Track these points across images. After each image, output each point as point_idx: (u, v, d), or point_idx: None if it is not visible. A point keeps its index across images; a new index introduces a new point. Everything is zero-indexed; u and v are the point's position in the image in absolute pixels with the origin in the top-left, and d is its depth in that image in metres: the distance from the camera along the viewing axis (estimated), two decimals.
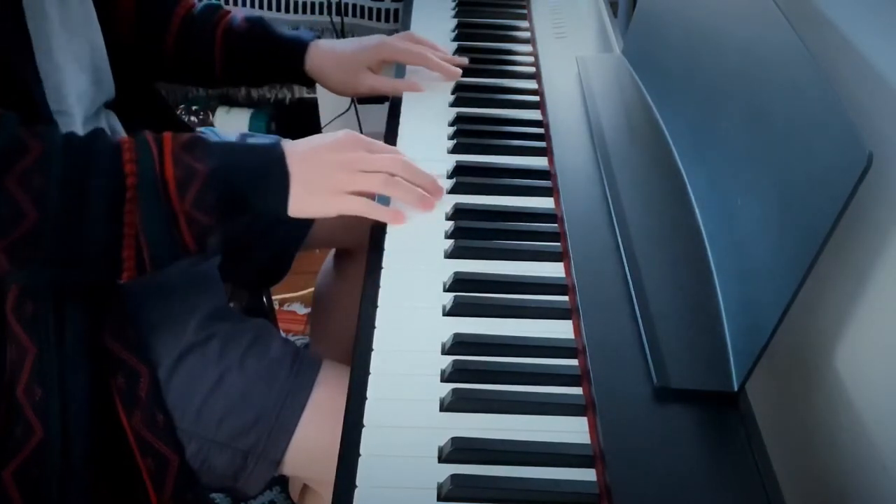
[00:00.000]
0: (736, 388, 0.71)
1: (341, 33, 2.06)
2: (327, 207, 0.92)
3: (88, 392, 0.91)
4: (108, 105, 1.10)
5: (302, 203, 0.91)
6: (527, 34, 1.41)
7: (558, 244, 0.92)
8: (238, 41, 1.20)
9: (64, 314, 0.90)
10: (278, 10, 2.09)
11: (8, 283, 0.89)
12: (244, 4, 2.09)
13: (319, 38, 1.23)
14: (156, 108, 1.21)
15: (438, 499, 0.66)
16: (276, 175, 0.90)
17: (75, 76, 0.99)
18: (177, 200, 0.86)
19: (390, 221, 0.94)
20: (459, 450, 0.69)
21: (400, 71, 1.28)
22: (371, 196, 0.94)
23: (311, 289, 1.64)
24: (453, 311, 0.83)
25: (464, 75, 1.25)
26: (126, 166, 0.85)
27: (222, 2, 1.41)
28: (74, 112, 0.98)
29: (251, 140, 0.94)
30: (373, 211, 0.94)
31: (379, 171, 0.93)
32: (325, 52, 1.21)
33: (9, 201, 0.81)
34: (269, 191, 0.90)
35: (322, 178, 0.92)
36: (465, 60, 1.27)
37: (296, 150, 0.92)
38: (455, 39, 1.38)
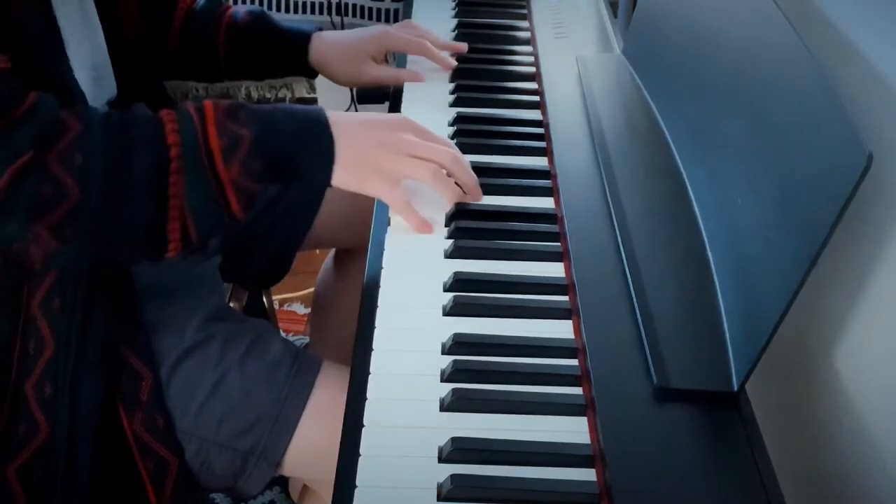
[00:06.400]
0: (736, 388, 0.71)
1: None
2: (369, 185, 0.91)
3: (98, 394, 0.91)
4: (111, 104, 1.10)
5: (346, 173, 0.90)
6: (527, 34, 1.41)
7: (558, 244, 0.92)
8: (241, 35, 1.20)
9: (90, 314, 0.90)
10: (278, 9, 2.09)
11: (52, 266, 0.88)
12: (244, 3, 2.09)
13: (321, 30, 1.23)
14: (159, 107, 1.21)
15: (438, 499, 0.66)
16: (321, 141, 0.89)
17: (78, 73, 0.99)
18: (223, 168, 0.85)
19: (419, 230, 0.93)
20: (459, 450, 0.69)
21: (402, 62, 1.29)
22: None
23: (311, 289, 1.64)
24: (453, 311, 0.83)
25: (464, 76, 1.26)
26: (169, 137, 0.85)
27: None
28: None
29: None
30: (407, 214, 0.92)
31: (429, 160, 0.92)
32: (328, 44, 1.22)
33: (51, 179, 0.81)
34: (315, 157, 0.89)
35: (370, 153, 0.90)
36: (463, 48, 1.28)
37: (344, 121, 0.90)
38: (455, 39, 1.38)
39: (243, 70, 1.25)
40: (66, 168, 0.81)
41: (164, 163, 0.84)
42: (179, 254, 0.87)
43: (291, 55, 1.22)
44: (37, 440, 0.90)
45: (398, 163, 0.91)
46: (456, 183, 0.95)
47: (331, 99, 2.10)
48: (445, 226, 0.94)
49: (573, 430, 0.72)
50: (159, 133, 0.85)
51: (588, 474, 0.68)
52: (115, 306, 0.93)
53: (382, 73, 1.23)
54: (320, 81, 1.28)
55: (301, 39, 1.22)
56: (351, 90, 1.93)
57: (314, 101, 2.21)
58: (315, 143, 0.89)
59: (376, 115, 0.94)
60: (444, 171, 0.93)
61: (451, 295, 0.85)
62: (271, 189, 0.89)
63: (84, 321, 0.90)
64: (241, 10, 1.22)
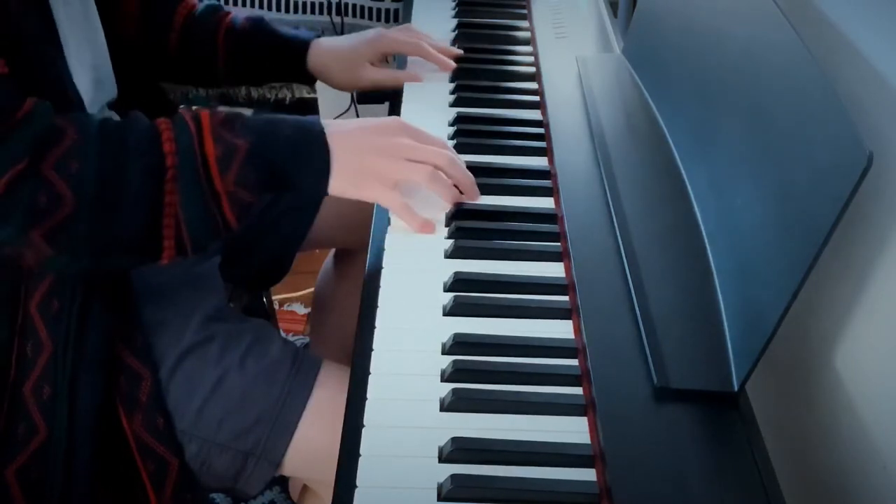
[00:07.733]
0: (736, 388, 0.71)
1: (341, 33, 2.06)
2: (367, 192, 0.91)
3: (96, 395, 0.91)
4: (111, 105, 1.10)
5: (343, 182, 0.90)
6: (527, 34, 1.41)
7: (558, 244, 0.92)
8: (240, 42, 1.20)
9: (87, 316, 0.90)
10: (278, 10, 2.09)
11: (46, 271, 0.88)
12: (244, 5, 2.09)
13: (320, 36, 1.24)
14: (159, 108, 1.21)
15: (438, 499, 0.66)
16: (317, 151, 0.89)
17: (79, 75, 0.99)
18: (218, 178, 0.85)
19: (419, 231, 0.93)
20: (459, 450, 0.69)
21: (402, 64, 1.29)
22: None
23: (311, 289, 1.64)
24: (453, 311, 0.83)
25: (464, 76, 1.26)
26: (165, 146, 0.85)
27: (223, 1, 1.42)
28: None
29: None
30: (407, 216, 0.92)
31: (425, 162, 0.92)
32: (326, 51, 1.22)
33: (47, 187, 0.81)
34: (311, 167, 0.89)
35: (366, 160, 0.90)
36: (460, 51, 1.29)
37: (340, 129, 0.91)
38: (455, 39, 1.38)
39: (242, 76, 1.26)
40: (61, 176, 0.81)
41: (160, 171, 0.84)
42: (172, 260, 0.87)
43: (289, 63, 1.23)
44: (35, 441, 0.90)
45: (394, 167, 0.91)
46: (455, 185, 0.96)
47: (331, 99, 2.10)
48: (446, 226, 0.94)
49: (573, 430, 0.72)
50: (156, 141, 0.85)
51: (588, 474, 0.68)
52: (113, 306, 0.93)
53: (381, 76, 1.23)
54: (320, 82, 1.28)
55: (300, 47, 1.22)
56: (351, 91, 1.93)
57: (314, 101, 2.21)
58: (311, 154, 0.89)
59: (371, 120, 0.94)
60: (441, 173, 0.93)
61: (451, 295, 0.85)
62: (265, 199, 0.89)
63: (82, 322, 0.90)
64: (240, 17, 1.22)
